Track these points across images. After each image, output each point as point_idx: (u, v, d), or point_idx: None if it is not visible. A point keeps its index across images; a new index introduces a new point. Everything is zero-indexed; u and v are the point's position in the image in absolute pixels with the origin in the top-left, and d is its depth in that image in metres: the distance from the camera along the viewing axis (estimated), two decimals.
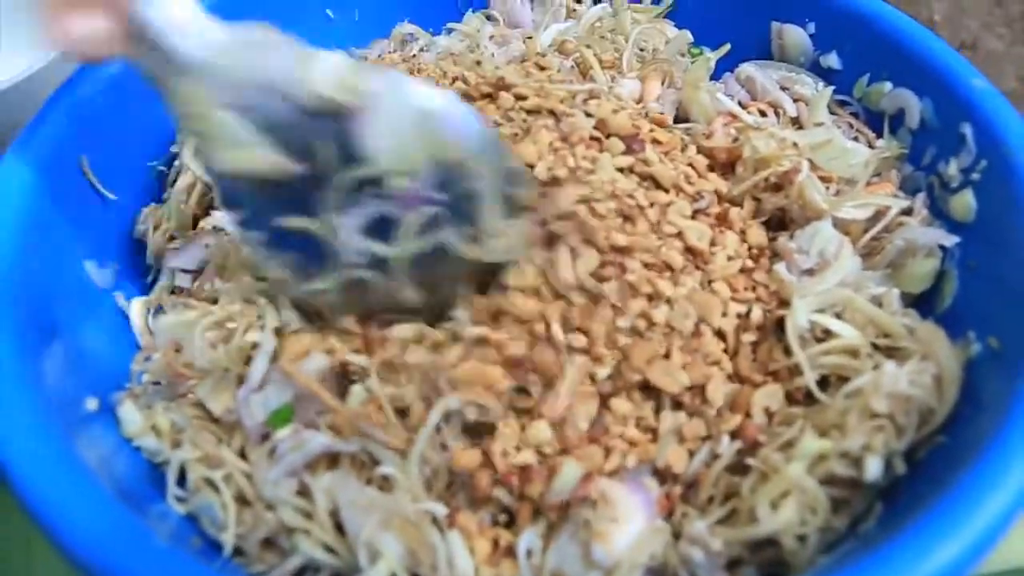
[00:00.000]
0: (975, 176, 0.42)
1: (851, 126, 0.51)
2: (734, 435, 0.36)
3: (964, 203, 0.43)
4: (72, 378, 0.36)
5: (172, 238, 0.45)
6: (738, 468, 0.35)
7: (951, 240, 0.41)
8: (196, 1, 0.32)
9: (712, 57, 0.54)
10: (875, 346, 0.38)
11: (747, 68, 0.54)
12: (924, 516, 0.28)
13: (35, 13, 0.30)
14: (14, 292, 0.35)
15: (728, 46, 0.55)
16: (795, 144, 0.45)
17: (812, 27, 0.53)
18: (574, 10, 0.58)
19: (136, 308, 0.42)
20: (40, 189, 0.38)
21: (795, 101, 0.53)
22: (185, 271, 0.43)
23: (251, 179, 0.32)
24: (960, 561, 0.27)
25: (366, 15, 0.58)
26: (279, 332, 0.35)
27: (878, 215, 0.44)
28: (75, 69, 0.43)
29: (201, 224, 0.46)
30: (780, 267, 0.40)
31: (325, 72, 0.32)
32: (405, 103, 0.33)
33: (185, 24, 0.31)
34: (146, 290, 0.45)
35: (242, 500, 0.34)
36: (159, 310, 0.42)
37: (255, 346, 0.35)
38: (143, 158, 0.47)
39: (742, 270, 0.41)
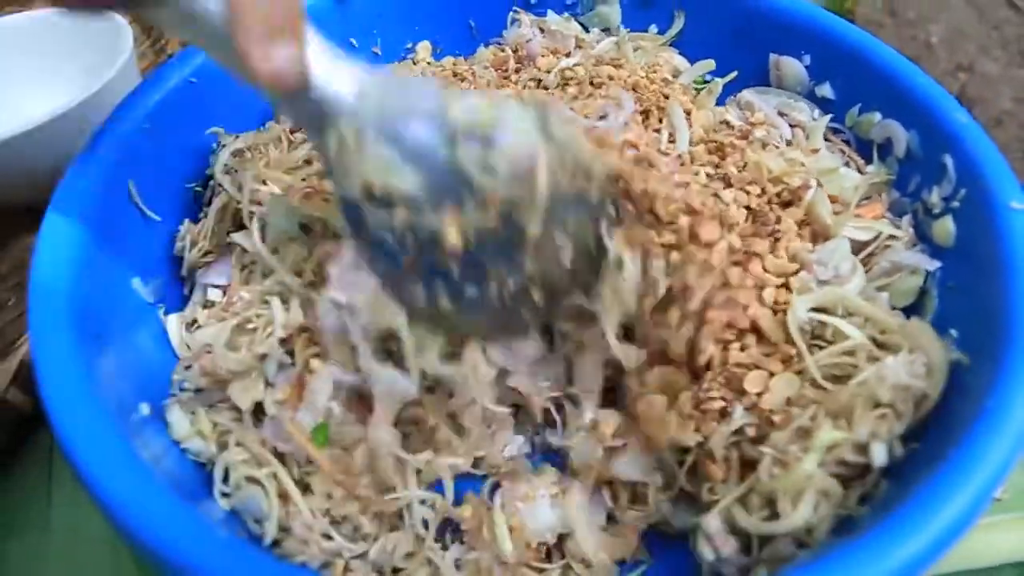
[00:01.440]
0: (955, 204, 0.45)
1: (843, 152, 0.54)
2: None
3: (944, 228, 0.46)
4: (126, 385, 0.39)
5: (207, 253, 0.49)
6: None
7: (933, 265, 0.45)
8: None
9: (720, 82, 0.57)
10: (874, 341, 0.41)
11: (747, 94, 0.58)
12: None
13: (237, 40, 0.31)
14: (74, 308, 0.38)
15: (735, 73, 0.58)
16: (802, 164, 0.49)
17: (808, 59, 0.56)
18: (583, 40, 0.61)
19: (172, 323, 0.45)
20: (93, 214, 0.42)
21: (792, 127, 0.56)
22: (216, 286, 0.47)
23: (391, 205, 0.34)
24: (927, 552, 0.30)
25: (387, 43, 0.62)
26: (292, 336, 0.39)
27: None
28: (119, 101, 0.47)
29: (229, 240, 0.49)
30: (804, 275, 0.43)
31: (464, 107, 0.35)
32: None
33: (340, 68, 0.34)
34: (186, 302, 0.48)
35: (283, 496, 0.38)
36: (194, 323, 0.45)
37: (264, 356, 0.39)
38: (182, 180, 0.51)
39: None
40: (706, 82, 0.59)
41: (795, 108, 0.57)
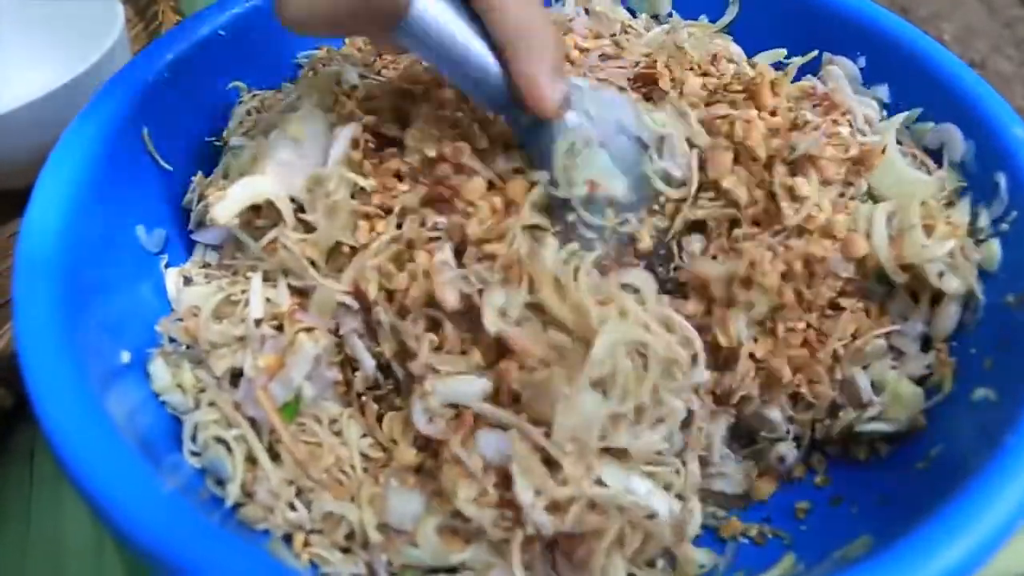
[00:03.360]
0: (1004, 227, 0.42)
1: (915, 156, 0.50)
2: None
3: (990, 252, 0.42)
4: (111, 332, 0.38)
5: None
6: None
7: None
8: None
9: (798, 62, 0.54)
10: None
11: (834, 70, 0.54)
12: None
13: (529, 73, 0.37)
14: (68, 247, 0.37)
15: (815, 52, 0.54)
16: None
17: (863, 61, 0.53)
18: (630, 26, 0.59)
19: (171, 277, 0.44)
20: (102, 155, 0.41)
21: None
22: (213, 247, 0.46)
23: (603, 206, 0.40)
24: None
25: None
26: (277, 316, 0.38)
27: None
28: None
29: None
30: None
31: (656, 117, 0.42)
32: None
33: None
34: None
35: (251, 460, 0.37)
36: (189, 280, 0.44)
37: (243, 339, 0.38)
38: (201, 133, 0.50)
39: None
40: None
41: (868, 105, 0.53)
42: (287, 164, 0.40)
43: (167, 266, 0.45)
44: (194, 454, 0.37)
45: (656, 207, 0.42)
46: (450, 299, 0.36)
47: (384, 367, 0.40)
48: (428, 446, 0.37)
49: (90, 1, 0.66)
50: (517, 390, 0.35)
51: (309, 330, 0.38)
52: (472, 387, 0.36)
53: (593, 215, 0.39)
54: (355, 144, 0.41)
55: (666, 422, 0.37)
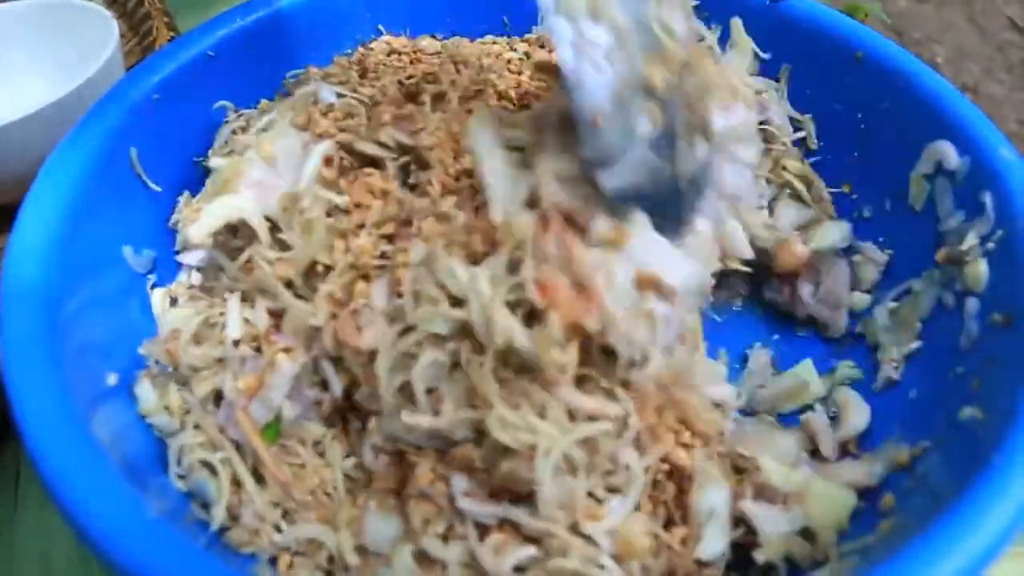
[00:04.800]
0: (990, 246, 0.42)
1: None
2: None
3: (977, 272, 0.43)
4: (98, 353, 0.38)
5: None
6: None
7: None
8: None
9: None
10: None
11: None
12: None
13: None
14: (55, 267, 0.37)
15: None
16: None
17: None
18: None
19: (157, 298, 0.44)
20: (90, 175, 0.41)
21: None
22: (198, 268, 0.45)
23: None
24: None
25: (416, 33, 0.61)
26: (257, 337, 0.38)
27: None
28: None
29: None
30: None
31: None
32: None
33: None
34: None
35: (236, 482, 0.36)
36: (175, 301, 0.44)
37: (222, 360, 0.38)
38: (191, 154, 0.50)
39: None
40: None
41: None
42: (261, 183, 0.40)
43: (154, 287, 0.45)
44: (180, 477, 0.37)
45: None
46: (355, 342, 0.36)
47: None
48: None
49: (85, 17, 0.66)
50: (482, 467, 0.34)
51: (287, 350, 0.38)
52: (420, 423, 0.35)
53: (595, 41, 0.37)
54: (328, 162, 0.41)
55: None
